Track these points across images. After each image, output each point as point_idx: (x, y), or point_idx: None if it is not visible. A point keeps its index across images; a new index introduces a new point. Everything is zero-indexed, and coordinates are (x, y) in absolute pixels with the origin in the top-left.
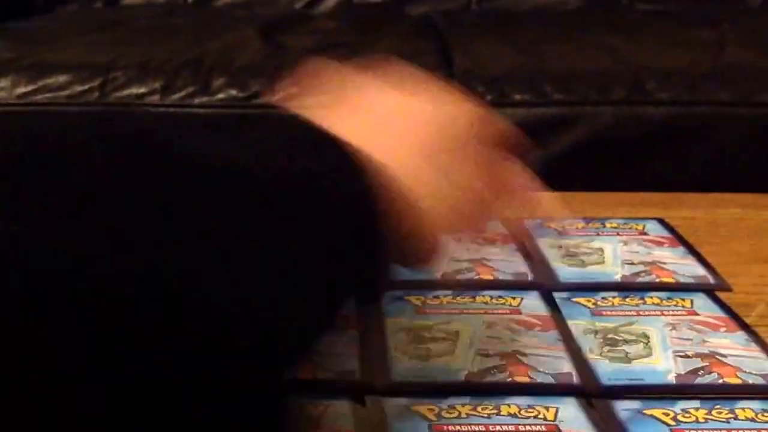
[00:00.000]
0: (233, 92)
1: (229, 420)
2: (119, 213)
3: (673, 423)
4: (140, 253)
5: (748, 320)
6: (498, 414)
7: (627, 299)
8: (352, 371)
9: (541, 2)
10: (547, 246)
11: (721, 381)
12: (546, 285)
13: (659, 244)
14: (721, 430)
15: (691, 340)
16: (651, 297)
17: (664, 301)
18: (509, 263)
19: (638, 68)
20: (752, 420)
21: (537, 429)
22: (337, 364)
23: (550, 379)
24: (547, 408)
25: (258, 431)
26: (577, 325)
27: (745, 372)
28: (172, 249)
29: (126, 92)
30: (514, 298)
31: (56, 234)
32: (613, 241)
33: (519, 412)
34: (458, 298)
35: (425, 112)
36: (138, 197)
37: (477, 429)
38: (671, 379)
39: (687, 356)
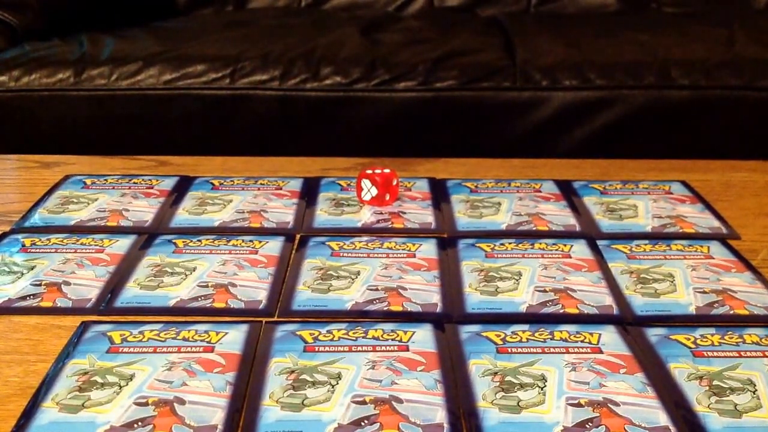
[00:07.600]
0: (338, 79)
1: None
2: None
3: (693, 346)
4: None
5: (753, 263)
6: (552, 338)
7: (656, 246)
8: (435, 304)
9: (586, 5)
10: (591, 203)
11: (732, 312)
12: (591, 234)
13: (682, 201)
14: (731, 351)
15: (707, 279)
16: (675, 244)
17: (686, 248)
18: (561, 217)
19: (664, 59)
20: (757, 344)
21: (583, 350)
22: (422, 299)
23: (594, 310)
24: (591, 334)
25: None
26: (615, 267)
27: (751, 305)
28: None
29: (251, 79)
30: (565, 245)
31: None
32: (645, 199)
33: (569, 337)
34: (520, 245)
35: None
36: None
37: (535, 350)
38: (692, 310)
39: (704, 292)
